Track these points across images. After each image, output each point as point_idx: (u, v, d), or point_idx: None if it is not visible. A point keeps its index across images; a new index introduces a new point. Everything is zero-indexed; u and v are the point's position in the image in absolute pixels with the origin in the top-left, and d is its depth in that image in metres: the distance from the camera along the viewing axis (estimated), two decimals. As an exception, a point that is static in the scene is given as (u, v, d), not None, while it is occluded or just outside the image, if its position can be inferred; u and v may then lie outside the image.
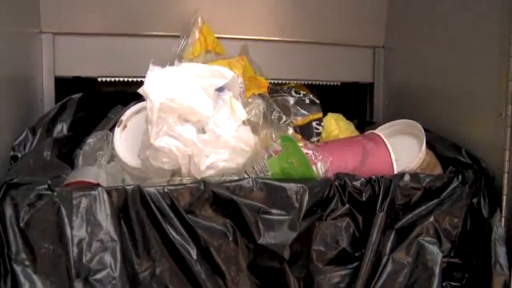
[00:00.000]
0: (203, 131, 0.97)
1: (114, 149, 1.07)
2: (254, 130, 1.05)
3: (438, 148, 1.18)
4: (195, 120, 0.96)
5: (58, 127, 1.18)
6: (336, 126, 1.30)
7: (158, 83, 0.95)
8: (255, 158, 1.01)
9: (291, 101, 1.38)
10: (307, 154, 1.03)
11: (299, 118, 1.32)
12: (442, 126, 1.25)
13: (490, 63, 1.10)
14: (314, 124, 1.31)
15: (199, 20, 1.29)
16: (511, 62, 1.03)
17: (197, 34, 1.25)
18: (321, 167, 1.02)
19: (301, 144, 1.09)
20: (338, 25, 1.56)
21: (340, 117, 1.34)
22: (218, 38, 1.38)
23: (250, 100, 1.15)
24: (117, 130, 1.08)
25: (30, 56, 1.32)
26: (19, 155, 1.06)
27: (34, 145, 1.09)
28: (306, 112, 1.35)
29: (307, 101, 1.39)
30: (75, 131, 1.20)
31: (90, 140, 1.18)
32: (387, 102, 1.62)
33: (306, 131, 1.30)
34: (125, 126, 1.08)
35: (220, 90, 1.00)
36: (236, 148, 0.97)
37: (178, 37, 1.37)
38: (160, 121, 0.94)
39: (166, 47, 1.38)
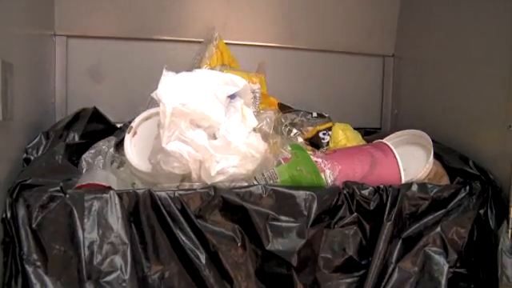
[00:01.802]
0: (214, 137, 0.98)
1: (124, 154, 1.07)
2: (265, 138, 1.06)
3: (446, 159, 1.19)
4: (207, 126, 0.98)
5: (71, 135, 1.19)
6: (343, 135, 1.31)
7: (171, 88, 0.96)
8: (265, 165, 1.02)
9: (300, 114, 1.39)
10: (316, 162, 1.04)
11: (309, 128, 1.33)
12: (450, 136, 1.26)
13: (499, 75, 1.10)
14: (320, 134, 1.32)
15: (216, 36, 1.31)
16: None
17: (213, 50, 1.26)
18: (329, 175, 1.03)
19: (310, 152, 1.10)
20: (349, 33, 1.59)
21: (347, 127, 1.35)
22: (228, 43, 1.41)
23: (261, 111, 1.17)
24: (127, 136, 1.09)
25: (44, 58, 1.34)
26: (32, 158, 1.08)
27: (46, 149, 1.10)
28: (313, 123, 1.37)
29: (314, 114, 1.41)
30: (86, 140, 1.21)
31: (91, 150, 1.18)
32: (396, 111, 1.63)
33: (313, 142, 1.31)
34: (135, 133, 1.09)
35: (232, 97, 1.01)
36: (246, 154, 0.98)
37: (190, 42, 1.41)
38: (172, 125, 0.95)
39: (177, 52, 1.43)
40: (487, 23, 1.16)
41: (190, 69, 1.08)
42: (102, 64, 1.45)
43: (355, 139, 1.32)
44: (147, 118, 1.10)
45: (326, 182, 1.03)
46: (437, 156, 1.16)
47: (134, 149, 1.07)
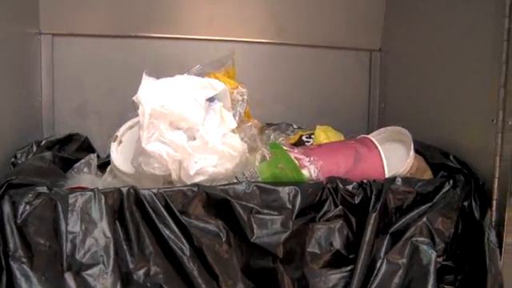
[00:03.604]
0: (194, 139, 1.01)
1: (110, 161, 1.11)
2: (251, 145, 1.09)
3: (427, 154, 1.20)
4: (186, 127, 1.01)
5: (61, 152, 1.22)
6: (325, 136, 1.31)
7: (150, 91, 1.00)
8: (245, 164, 1.04)
9: (282, 127, 1.43)
10: (299, 158, 1.05)
11: (291, 136, 1.35)
12: (435, 129, 1.27)
13: (482, 69, 1.12)
14: (304, 138, 1.33)
15: (231, 62, 1.31)
16: (503, 68, 1.04)
17: (223, 72, 1.28)
18: (313, 170, 1.04)
19: (289, 149, 1.11)
20: (335, 28, 1.61)
21: (329, 128, 1.36)
22: (215, 39, 1.47)
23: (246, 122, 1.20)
24: (113, 144, 1.13)
25: (29, 57, 1.35)
26: (20, 162, 1.10)
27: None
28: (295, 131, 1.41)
29: (295, 126, 1.45)
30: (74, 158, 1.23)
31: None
32: (383, 105, 1.64)
33: (297, 146, 1.31)
34: (120, 142, 1.13)
35: (211, 100, 1.05)
36: (224, 154, 1.01)
37: (177, 39, 1.45)
38: (151, 127, 0.99)
39: (165, 48, 1.46)
40: (471, 18, 1.18)
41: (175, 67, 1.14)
42: (88, 62, 1.46)
43: (337, 139, 1.32)
44: (131, 127, 1.14)
45: (310, 177, 1.04)
46: (418, 152, 1.17)
47: (120, 156, 1.11)
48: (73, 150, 1.23)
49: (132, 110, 1.10)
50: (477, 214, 1.03)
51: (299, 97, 1.60)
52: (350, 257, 0.99)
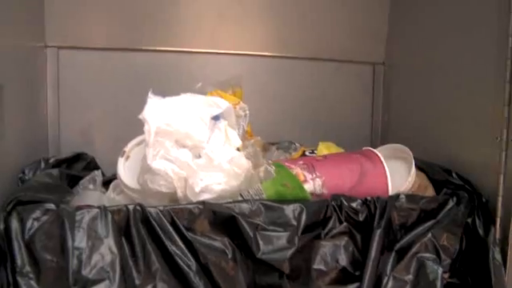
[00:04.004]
0: (199, 157, 1.02)
1: (117, 176, 1.11)
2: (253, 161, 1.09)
3: (429, 171, 1.20)
4: (191, 145, 1.02)
5: (68, 170, 1.23)
6: (328, 152, 1.32)
7: (156, 109, 1.02)
8: (250, 182, 1.04)
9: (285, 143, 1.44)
10: (302, 173, 1.07)
11: (293, 153, 1.37)
12: (437, 144, 1.28)
13: (486, 86, 1.13)
14: (307, 153, 1.34)
15: (239, 84, 1.33)
16: (507, 86, 1.05)
17: (229, 92, 1.29)
18: (317, 185, 1.05)
19: (293, 165, 1.11)
20: (339, 41, 1.63)
21: (331, 144, 1.37)
22: (218, 53, 1.50)
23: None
24: (120, 159, 1.13)
25: (35, 71, 1.37)
26: (27, 178, 1.11)
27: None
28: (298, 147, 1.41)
29: (297, 144, 1.45)
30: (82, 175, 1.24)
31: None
32: (386, 118, 1.65)
33: (301, 158, 1.33)
34: (127, 157, 1.14)
35: (216, 118, 1.06)
36: (229, 171, 1.01)
37: (180, 52, 1.48)
38: (157, 144, 1.00)
39: (167, 62, 1.48)
40: (476, 34, 1.19)
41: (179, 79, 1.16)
42: (93, 74, 1.48)
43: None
44: (139, 144, 1.15)
45: (314, 192, 1.05)
46: (420, 169, 1.18)
47: (127, 171, 1.11)
48: (80, 168, 1.24)
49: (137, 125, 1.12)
50: (481, 231, 1.04)
51: (301, 110, 1.62)
52: (356, 274, 0.99)
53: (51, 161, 1.18)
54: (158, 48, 1.50)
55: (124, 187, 1.10)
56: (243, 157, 1.02)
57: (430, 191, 1.14)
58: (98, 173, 1.17)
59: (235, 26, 1.56)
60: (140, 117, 1.01)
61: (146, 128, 0.99)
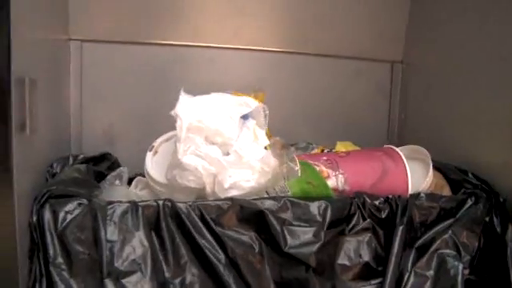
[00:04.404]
0: (227, 154, 1.05)
1: (145, 170, 1.14)
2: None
3: (445, 171, 1.23)
4: (220, 142, 1.05)
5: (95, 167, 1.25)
6: (345, 150, 1.35)
7: (188, 106, 1.04)
8: (276, 180, 1.06)
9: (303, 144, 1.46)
10: (325, 170, 1.10)
11: (313, 151, 1.39)
12: (454, 144, 1.30)
13: (507, 88, 1.14)
14: (326, 151, 1.37)
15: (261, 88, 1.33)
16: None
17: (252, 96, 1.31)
18: (340, 181, 1.08)
19: (317, 162, 1.14)
20: (358, 39, 1.63)
21: (348, 143, 1.41)
22: (239, 48, 1.53)
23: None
24: (148, 154, 1.16)
25: (60, 64, 1.37)
26: (56, 171, 1.13)
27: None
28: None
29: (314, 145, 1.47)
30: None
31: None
32: (403, 116, 1.66)
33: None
34: (156, 152, 1.16)
35: (245, 117, 1.09)
36: (257, 169, 1.04)
37: (203, 47, 1.50)
38: (188, 140, 1.03)
39: (190, 56, 1.50)
40: (496, 33, 1.20)
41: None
42: (116, 68, 1.49)
43: (356, 151, 1.36)
44: (168, 140, 1.18)
45: (337, 187, 1.08)
46: (436, 169, 1.20)
47: (155, 165, 1.14)
48: (105, 167, 1.25)
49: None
50: (498, 230, 1.06)
51: (318, 107, 1.63)
52: (379, 269, 1.02)
53: (80, 157, 1.20)
54: (180, 43, 1.51)
55: (151, 181, 1.12)
56: (271, 155, 1.05)
57: (446, 190, 1.16)
58: (124, 169, 1.18)
59: (258, 23, 1.57)
60: (172, 113, 1.04)
61: (177, 123, 1.02)
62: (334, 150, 1.34)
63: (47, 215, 0.91)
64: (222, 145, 1.04)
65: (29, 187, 0.96)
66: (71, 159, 1.18)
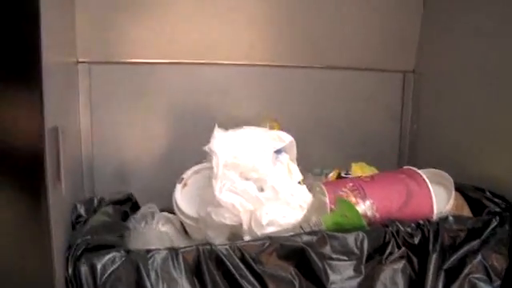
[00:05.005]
0: (261, 189, 1.04)
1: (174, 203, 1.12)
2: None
3: (463, 190, 1.24)
4: (256, 178, 1.04)
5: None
6: (362, 172, 1.35)
7: (223, 142, 1.03)
8: (311, 214, 1.06)
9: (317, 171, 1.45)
10: (353, 197, 1.10)
11: (330, 175, 1.38)
12: (468, 157, 1.31)
13: None
14: (342, 174, 1.37)
15: (276, 123, 1.33)
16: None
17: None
18: (370, 207, 1.09)
19: (344, 188, 1.13)
20: (370, 50, 1.60)
21: (363, 164, 1.40)
22: (253, 64, 1.50)
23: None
24: (178, 186, 1.14)
25: (70, 89, 1.30)
26: (82, 213, 1.09)
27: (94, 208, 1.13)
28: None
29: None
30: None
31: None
32: (415, 127, 1.65)
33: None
34: (185, 184, 1.14)
35: (278, 152, 1.08)
36: (294, 205, 1.04)
37: (216, 64, 1.46)
38: (223, 177, 1.00)
39: (206, 74, 1.46)
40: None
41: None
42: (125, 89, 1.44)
43: (372, 172, 1.36)
44: (197, 172, 1.17)
45: (366, 215, 1.08)
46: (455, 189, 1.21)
47: (184, 198, 1.12)
48: (128, 206, 1.21)
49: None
50: None
51: (331, 119, 1.62)
52: (413, 295, 1.04)
53: (107, 199, 1.16)
54: (193, 61, 1.46)
55: (181, 214, 1.11)
56: (306, 190, 1.04)
57: (466, 210, 1.19)
58: (152, 206, 1.15)
59: (271, 38, 1.53)
60: (206, 148, 1.02)
61: (214, 161, 1.00)
62: (350, 173, 1.35)
63: (84, 269, 0.87)
64: (256, 180, 1.02)
65: (63, 237, 0.92)
66: (96, 201, 1.13)
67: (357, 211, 1.07)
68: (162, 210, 1.18)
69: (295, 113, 1.53)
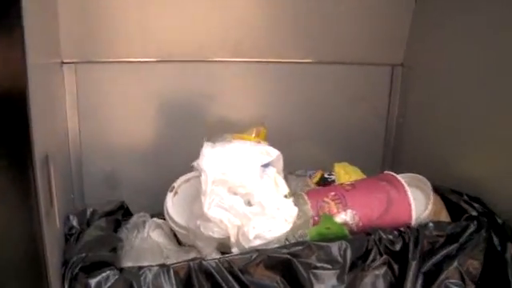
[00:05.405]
0: (249, 203, 1.07)
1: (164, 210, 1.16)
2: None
3: (442, 193, 1.27)
4: (243, 193, 1.07)
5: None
6: (345, 173, 1.40)
7: (211, 159, 1.05)
8: (297, 227, 1.10)
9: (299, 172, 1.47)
10: (335, 207, 1.14)
11: (313, 177, 1.41)
12: (451, 156, 1.33)
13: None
14: (325, 175, 1.41)
15: (262, 128, 1.34)
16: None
17: (254, 133, 1.31)
18: (351, 216, 1.13)
19: (326, 198, 1.17)
20: (359, 44, 1.58)
21: (346, 164, 1.44)
22: (242, 61, 1.49)
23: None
24: (169, 194, 1.18)
25: (55, 87, 1.28)
26: (74, 224, 1.12)
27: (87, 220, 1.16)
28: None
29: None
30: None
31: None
32: (401, 120, 1.66)
33: (322, 184, 1.39)
34: (176, 193, 1.18)
35: (265, 165, 1.11)
36: (280, 219, 1.07)
37: (202, 61, 1.45)
38: (212, 193, 1.04)
39: (191, 72, 1.45)
40: (504, 41, 1.19)
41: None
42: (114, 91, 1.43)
43: (355, 173, 1.40)
44: (188, 181, 1.21)
45: (347, 223, 1.12)
46: (434, 191, 1.24)
47: (175, 207, 1.16)
48: (120, 214, 1.25)
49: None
50: (499, 247, 1.14)
51: (317, 113, 1.62)
52: (392, 299, 1.10)
53: (99, 211, 1.19)
54: (179, 59, 1.44)
55: (172, 223, 1.15)
56: (292, 204, 1.07)
57: (444, 214, 1.23)
58: (143, 214, 1.19)
59: (260, 33, 1.50)
60: (194, 164, 1.05)
61: (202, 178, 1.03)
62: (333, 173, 1.38)
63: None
64: (244, 195, 1.05)
65: (57, 254, 0.95)
66: (88, 213, 1.16)
67: (339, 225, 1.11)
68: (153, 216, 1.22)
69: (284, 108, 1.55)
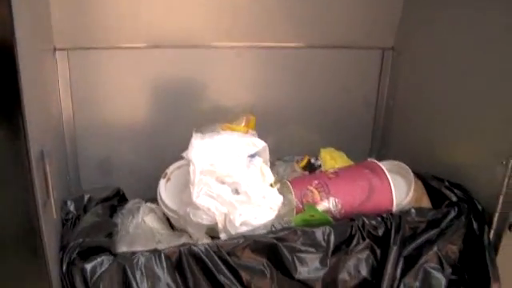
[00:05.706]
0: (236, 191, 1.13)
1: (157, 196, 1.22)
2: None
3: (424, 178, 1.32)
4: (231, 182, 1.12)
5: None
6: (330, 158, 1.45)
7: (200, 150, 1.10)
8: (282, 215, 1.16)
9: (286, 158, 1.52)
10: (318, 195, 1.19)
11: (299, 162, 1.46)
12: (438, 141, 1.36)
13: (500, 82, 1.17)
14: (312, 160, 1.46)
15: (252, 116, 1.35)
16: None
17: (243, 122, 1.32)
18: (333, 203, 1.19)
19: (310, 187, 1.23)
20: (350, 27, 1.58)
21: (332, 150, 1.49)
22: (228, 46, 1.49)
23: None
24: (162, 180, 1.24)
25: (48, 74, 1.29)
26: (72, 209, 1.18)
27: (84, 206, 1.21)
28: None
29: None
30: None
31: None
32: (391, 103, 1.67)
33: (307, 169, 1.45)
34: (168, 179, 1.23)
35: (252, 156, 1.16)
36: (265, 207, 1.13)
37: (190, 47, 1.45)
38: (200, 182, 1.09)
39: (180, 58, 1.46)
40: (493, 26, 1.20)
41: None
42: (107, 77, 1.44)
43: (341, 158, 1.47)
44: (179, 167, 1.26)
45: (331, 210, 1.19)
46: (416, 177, 1.30)
47: (167, 192, 1.22)
48: (116, 200, 1.30)
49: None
50: (477, 230, 1.19)
51: (308, 97, 1.63)
52: (374, 282, 1.15)
53: (96, 198, 1.23)
54: (171, 44, 1.45)
55: (165, 208, 1.21)
56: (277, 193, 1.12)
57: (425, 201, 1.28)
58: (137, 200, 1.25)
59: (251, 17, 1.49)
60: (184, 155, 1.09)
61: (191, 168, 1.09)
62: (319, 159, 1.42)
63: (76, 272, 0.98)
64: (231, 184, 1.11)
65: (55, 240, 1.01)
66: (86, 199, 1.21)
67: (322, 212, 1.17)
68: (146, 201, 1.27)
69: (274, 92, 1.57)
